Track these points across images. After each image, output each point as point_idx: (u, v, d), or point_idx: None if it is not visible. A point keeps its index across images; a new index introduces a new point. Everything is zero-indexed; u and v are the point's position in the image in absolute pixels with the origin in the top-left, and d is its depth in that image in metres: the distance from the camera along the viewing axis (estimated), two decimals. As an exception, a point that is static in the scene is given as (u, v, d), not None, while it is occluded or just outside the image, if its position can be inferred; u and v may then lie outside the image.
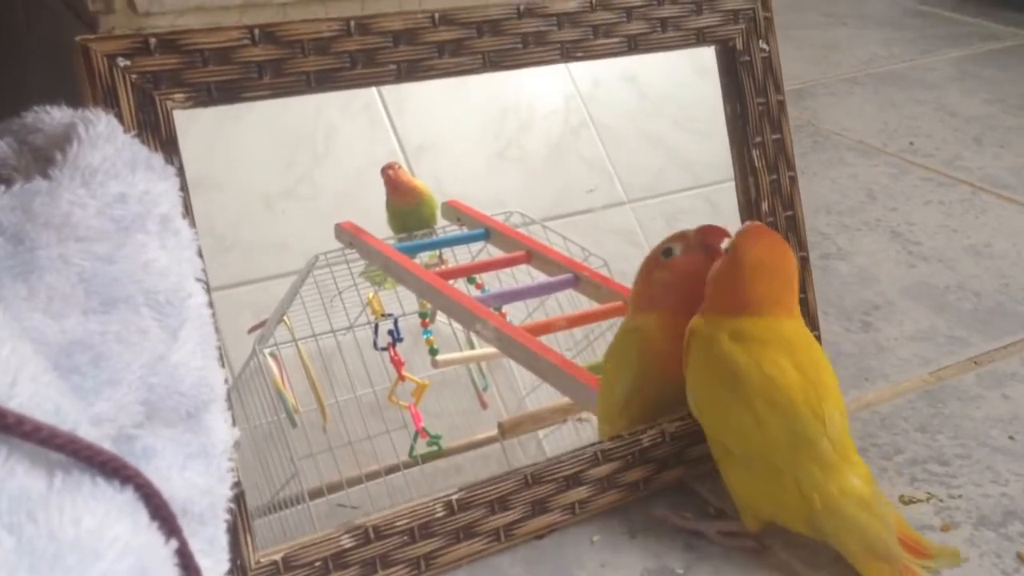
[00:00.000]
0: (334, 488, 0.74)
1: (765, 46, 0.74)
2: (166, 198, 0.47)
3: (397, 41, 0.61)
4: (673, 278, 0.70)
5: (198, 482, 0.46)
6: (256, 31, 0.57)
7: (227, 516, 0.48)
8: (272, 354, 0.84)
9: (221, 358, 0.55)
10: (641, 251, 0.95)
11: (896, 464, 0.73)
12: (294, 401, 0.81)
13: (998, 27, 1.74)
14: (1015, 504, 0.69)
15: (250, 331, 0.84)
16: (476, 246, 0.90)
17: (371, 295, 0.85)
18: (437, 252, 0.88)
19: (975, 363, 0.85)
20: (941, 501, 0.70)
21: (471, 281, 0.87)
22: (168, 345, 0.46)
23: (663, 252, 0.71)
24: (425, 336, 0.84)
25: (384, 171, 0.83)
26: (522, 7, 0.65)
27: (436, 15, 0.62)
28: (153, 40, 0.55)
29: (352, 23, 0.60)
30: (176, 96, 0.55)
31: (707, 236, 0.70)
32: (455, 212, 0.90)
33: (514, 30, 0.65)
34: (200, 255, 0.54)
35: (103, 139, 0.47)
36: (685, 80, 0.85)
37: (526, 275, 0.87)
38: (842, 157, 1.25)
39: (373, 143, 0.92)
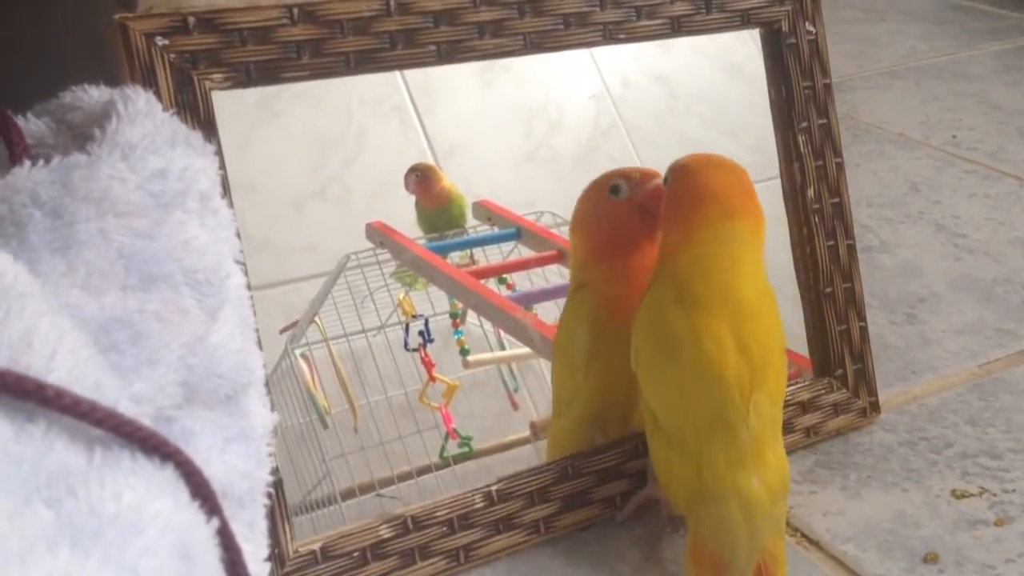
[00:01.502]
0: (366, 489, 0.73)
1: (812, 28, 0.72)
2: (205, 175, 0.46)
3: (437, 21, 0.60)
4: (616, 217, 0.65)
5: (238, 465, 0.45)
6: (295, 10, 0.56)
7: (266, 501, 0.47)
8: (303, 355, 0.83)
9: (259, 342, 0.54)
10: None
11: (946, 458, 0.71)
12: (325, 402, 0.81)
13: (1040, 21, 1.71)
14: (1071, 499, 0.67)
15: (282, 331, 0.83)
16: (507, 246, 0.89)
17: (401, 296, 0.84)
18: (468, 252, 0.87)
19: (1025, 356, 0.83)
20: (994, 495, 0.67)
21: (502, 281, 0.86)
22: (207, 326, 0.45)
23: (611, 188, 0.66)
24: (456, 336, 0.83)
25: (408, 176, 0.82)
26: (564, -12, 0.64)
27: (478, -5, 0.61)
28: (192, 19, 0.54)
29: (392, 2, 0.59)
30: (215, 76, 0.54)
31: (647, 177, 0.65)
32: (486, 212, 0.89)
33: (556, 10, 0.64)
34: (239, 236, 0.53)
35: (142, 115, 0.46)
36: (715, 80, 0.84)
37: (557, 275, 0.86)
38: (883, 150, 1.22)
39: (404, 145, 0.92)
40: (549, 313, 0.84)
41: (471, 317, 0.84)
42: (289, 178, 0.87)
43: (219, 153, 0.54)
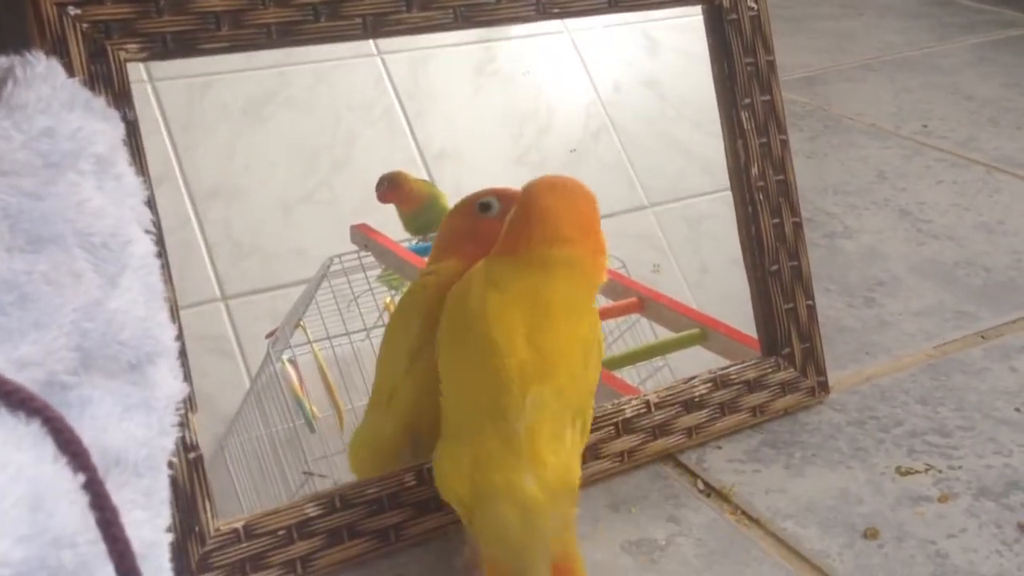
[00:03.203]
0: None
1: (753, 4, 0.72)
2: (103, 138, 0.46)
3: (363, -6, 0.60)
4: (483, 234, 0.62)
5: (136, 433, 0.44)
6: (213, -20, 0.56)
7: (168, 470, 0.46)
8: (291, 360, 0.82)
9: (174, 312, 0.53)
10: (662, 255, 0.92)
11: (894, 436, 0.70)
12: (312, 407, 0.80)
13: (1017, 15, 1.70)
14: (1019, 475, 0.66)
15: (267, 337, 0.83)
16: None
17: (388, 299, 0.83)
18: None
19: (983, 337, 0.82)
20: (940, 472, 0.66)
21: None
22: (105, 291, 0.45)
23: (480, 206, 0.65)
24: None
25: (377, 190, 0.81)
26: (495, -39, 0.63)
27: (404, -32, 0.61)
28: (105, -11, 0.53)
29: (315, -25, 0.58)
30: (129, 47, 0.54)
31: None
32: None
33: (487, -16, 0.63)
34: (151, 207, 0.52)
35: (40, 79, 0.46)
36: (705, 83, 0.83)
37: None
38: (853, 140, 1.22)
39: (393, 149, 0.91)
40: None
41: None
42: (277, 183, 0.86)
43: (135, 126, 0.54)
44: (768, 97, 0.72)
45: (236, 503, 0.79)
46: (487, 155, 0.94)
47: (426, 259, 0.83)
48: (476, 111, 0.95)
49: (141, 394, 0.46)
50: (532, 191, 0.59)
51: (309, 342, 0.82)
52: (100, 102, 0.47)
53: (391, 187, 0.83)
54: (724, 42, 0.71)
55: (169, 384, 0.48)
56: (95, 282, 0.44)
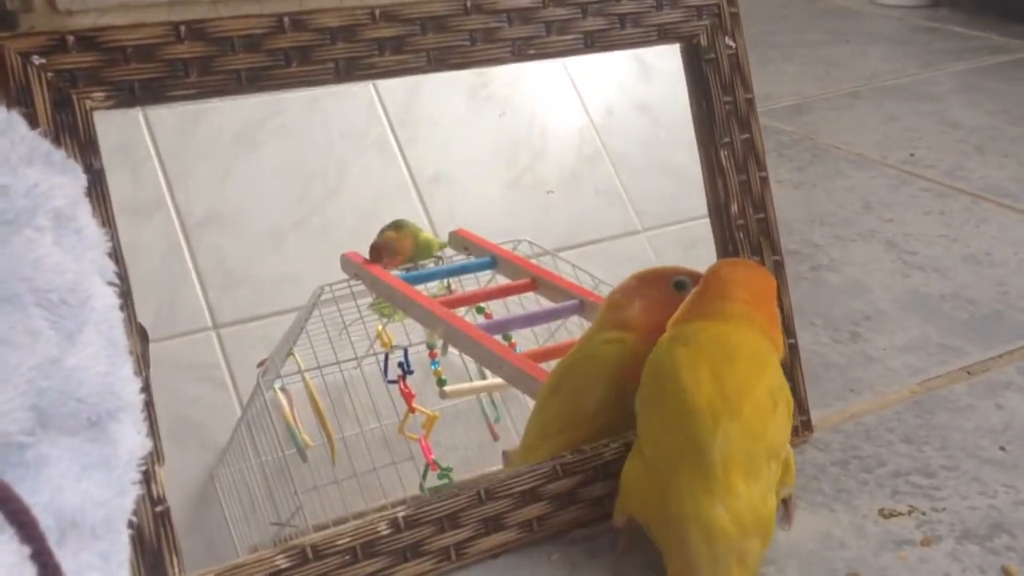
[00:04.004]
0: (340, 523, 0.72)
1: (731, 43, 0.71)
2: (62, 192, 0.45)
3: (335, 38, 0.59)
4: (672, 310, 0.65)
5: (95, 494, 0.44)
6: (182, 27, 0.55)
7: (128, 531, 0.46)
8: (283, 389, 0.82)
9: (139, 365, 0.52)
10: None
11: (878, 477, 0.69)
12: (305, 436, 0.80)
13: (1007, 40, 1.70)
14: (1003, 517, 0.65)
15: (259, 365, 0.82)
16: (486, 275, 0.88)
17: (380, 327, 0.83)
18: (445, 282, 0.86)
19: (968, 373, 0.81)
20: (923, 514, 0.66)
21: (480, 311, 0.85)
22: (63, 348, 0.44)
23: (675, 284, 0.68)
24: (433, 367, 0.82)
25: (378, 255, 0.82)
26: (469, 3, 0.63)
27: (376, 11, 0.60)
28: (71, 37, 0.53)
29: (286, 19, 0.58)
30: (95, 95, 0.53)
31: None
32: (462, 241, 0.88)
33: (461, 27, 0.63)
34: (115, 259, 0.51)
35: (-1, 133, 0.45)
36: None
37: (534, 303, 0.85)
38: (840, 169, 1.21)
39: (385, 176, 0.91)
40: (527, 341, 0.82)
41: (452, 346, 0.83)
42: (269, 211, 0.86)
43: (100, 175, 0.53)
44: (748, 135, 0.71)
45: (227, 532, 0.78)
46: (481, 181, 0.94)
47: (415, 288, 0.83)
48: (469, 137, 0.95)
49: (101, 452, 0.45)
50: (714, 268, 0.66)
51: (300, 371, 0.81)
52: (60, 155, 0.47)
53: (381, 251, 0.83)
54: (702, 81, 0.70)
55: (132, 439, 0.47)
56: (53, 339, 0.43)
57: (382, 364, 0.82)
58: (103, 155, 0.82)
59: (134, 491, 0.46)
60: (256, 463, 0.78)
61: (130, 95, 0.54)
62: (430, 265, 0.86)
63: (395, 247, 0.82)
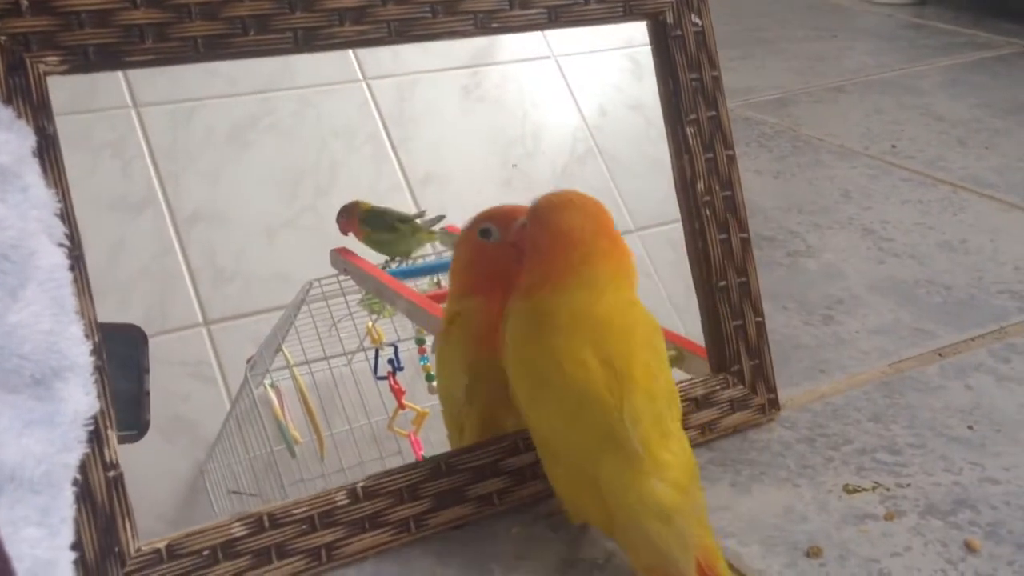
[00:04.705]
0: None
1: (698, 20, 0.71)
2: (7, 148, 0.45)
3: (293, 7, 0.59)
4: (490, 260, 0.65)
5: (35, 449, 0.44)
6: (138, -7, 0.55)
7: (72, 488, 0.45)
8: (273, 385, 0.82)
9: (90, 328, 0.52)
10: (649, 279, 0.92)
11: (844, 454, 0.69)
12: (295, 432, 0.80)
13: (993, 36, 1.71)
14: (967, 493, 0.65)
15: (248, 361, 0.82)
16: None
17: (369, 324, 0.83)
18: (435, 278, 0.86)
19: (939, 355, 0.81)
20: (888, 490, 0.65)
21: None
22: (4, 304, 0.44)
23: (480, 232, 0.66)
24: (422, 363, 0.82)
25: (338, 223, 0.82)
26: (431, -25, 0.63)
27: (336, -19, 0.60)
28: (25, 1, 0.53)
29: (244, -12, 0.58)
30: (49, 59, 0.53)
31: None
32: (451, 237, 0.88)
33: (422, -2, 0.63)
34: (66, 221, 0.51)
35: (-56, 90, 0.45)
36: None
37: None
38: (821, 160, 1.21)
39: (378, 175, 0.91)
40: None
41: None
42: (261, 208, 0.86)
43: (54, 139, 0.53)
44: (714, 113, 0.71)
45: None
46: (473, 180, 0.94)
47: (403, 283, 0.83)
48: (462, 136, 0.95)
49: (45, 409, 0.45)
50: (550, 214, 0.60)
51: (289, 367, 0.81)
52: (7, 113, 0.47)
53: (346, 218, 0.83)
54: (668, 58, 0.70)
55: (79, 400, 0.47)
56: (-6, 294, 0.43)
57: (372, 360, 0.82)
58: (94, 148, 0.84)
59: (79, 449, 0.46)
60: (245, 459, 0.78)
61: (85, 60, 0.54)
62: (420, 261, 0.86)
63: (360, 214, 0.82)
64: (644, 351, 0.58)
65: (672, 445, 0.56)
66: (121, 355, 0.58)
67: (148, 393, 0.62)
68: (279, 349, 0.82)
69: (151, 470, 0.70)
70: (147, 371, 0.63)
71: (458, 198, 0.92)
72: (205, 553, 0.55)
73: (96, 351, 0.51)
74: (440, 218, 0.85)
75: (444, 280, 0.86)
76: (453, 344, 0.67)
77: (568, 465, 0.57)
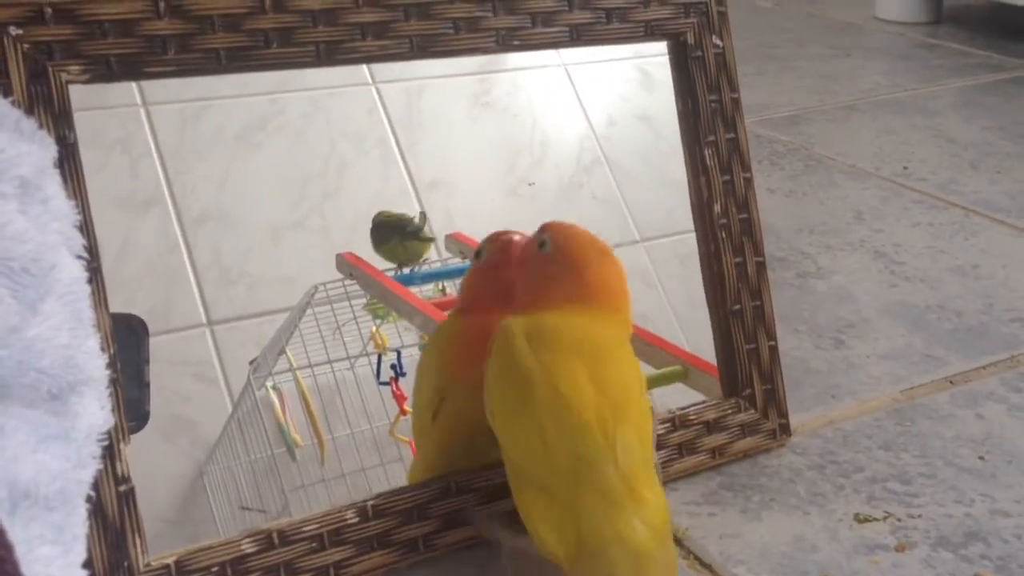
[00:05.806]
0: None
1: (719, 41, 0.71)
2: (28, 160, 0.45)
3: (316, 21, 0.59)
4: (481, 281, 0.65)
5: (50, 465, 0.43)
6: (161, 3, 0.55)
7: (85, 504, 0.45)
8: (275, 388, 0.82)
9: (106, 340, 0.52)
10: (654, 290, 0.92)
11: (854, 482, 0.69)
12: (296, 435, 0.79)
13: (1007, 58, 1.70)
14: (979, 525, 0.65)
15: (250, 363, 0.82)
16: None
17: (374, 328, 0.83)
18: (440, 285, 0.86)
19: (950, 382, 0.81)
20: (899, 520, 0.65)
21: None
22: (24, 317, 0.43)
23: (475, 253, 0.66)
24: None
25: None
26: (454, -9, 0.62)
27: (359, -5, 0.60)
28: (49, 10, 0.52)
29: (267, 0, 0.57)
30: (71, 68, 0.53)
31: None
32: (457, 244, 0.88)
33: (444, 14, 0.62)
34: (86, 233, 0.51)
35: (-34, 100, 0.45)
36: None
37: None
38: (833, 180, 1.21)
39: (385, 179, 0.91)
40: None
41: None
42: (268, 210, 0.86)
43: (74, 148, 0.53)
44: (733, 135, 0.71)
45: (214, 530, 0.77)
46: (480, 186, 0.93)
47: (408, 290, 0.83)
48: (470, 142, 0.95)
49: (60, 424, 0.45)
50: (574, 250, 0.59)
51: (292, 369, 0.81)
52: (30, 124, 0.47)
53: None
54: (688, 79, 0.70)
55: (93, 414, 0.47)
56: (13, 308, 0.43)
57: (375, 366, 0.81)
58: (103, 146, 0.84)
59: (94, 465, 0.46)
60: (246, 461, 0.78)
61: (107, 70, 0.54)
62: (425, 267, 0.86)
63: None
64: (641, 394, 0.56)
65: (653, 486, 0.54)
66: (121, 345, 0.56)
67: (148, 384, 0.61)
68: (283, 351, 0.82)
69: (151, 470, 0.70)
70: (147, 362, 0.62)
71: (464, 204, 0.92)
72: (214, 570, 0.55)
73: (112, 363, 0.51)
74: (423, 215, 0.86)
75: (449, 287, 0.86)
76: (428, 360, 0.67)
77: (541, 489, 0.54)
